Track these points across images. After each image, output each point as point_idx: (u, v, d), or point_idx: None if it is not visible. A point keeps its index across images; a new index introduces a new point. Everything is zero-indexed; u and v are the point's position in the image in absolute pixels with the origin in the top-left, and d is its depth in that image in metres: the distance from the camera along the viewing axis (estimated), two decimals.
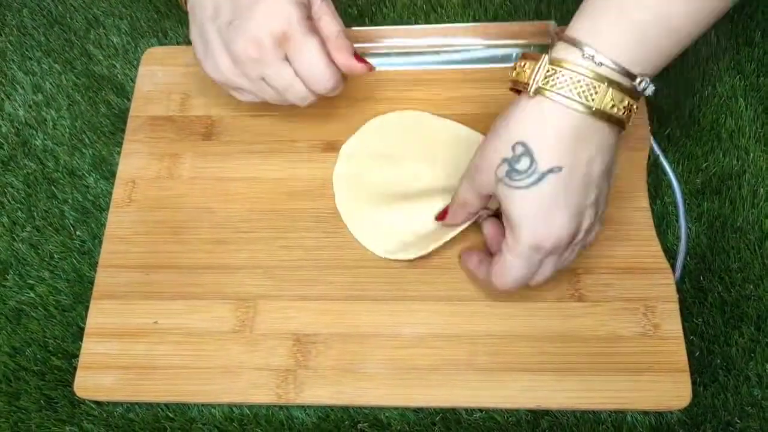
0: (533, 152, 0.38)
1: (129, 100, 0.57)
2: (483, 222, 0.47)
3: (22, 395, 0.48)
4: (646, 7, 0.37)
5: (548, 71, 0.38)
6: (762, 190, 0.52)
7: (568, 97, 0.37)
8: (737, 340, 0.48)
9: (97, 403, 0.47)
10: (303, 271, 0.49)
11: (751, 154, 0.53)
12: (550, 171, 0.38)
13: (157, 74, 0.57)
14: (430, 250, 0.48)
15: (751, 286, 0.49)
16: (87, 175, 0.55)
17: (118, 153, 0.55)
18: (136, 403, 0.47)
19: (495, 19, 0.59)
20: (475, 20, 0.59)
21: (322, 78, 0.45)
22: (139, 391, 0.46)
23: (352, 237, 0.50)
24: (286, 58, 0.45)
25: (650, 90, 0.39)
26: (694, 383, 0.45)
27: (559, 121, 0.38)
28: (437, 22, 0.59)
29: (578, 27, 0.38)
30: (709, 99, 0.55)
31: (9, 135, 0.57)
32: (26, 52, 0.60)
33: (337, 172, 0.52)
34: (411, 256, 0.48)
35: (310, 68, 0.45)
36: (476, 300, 0.48)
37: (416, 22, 0.59)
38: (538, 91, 0.38)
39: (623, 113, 0.38)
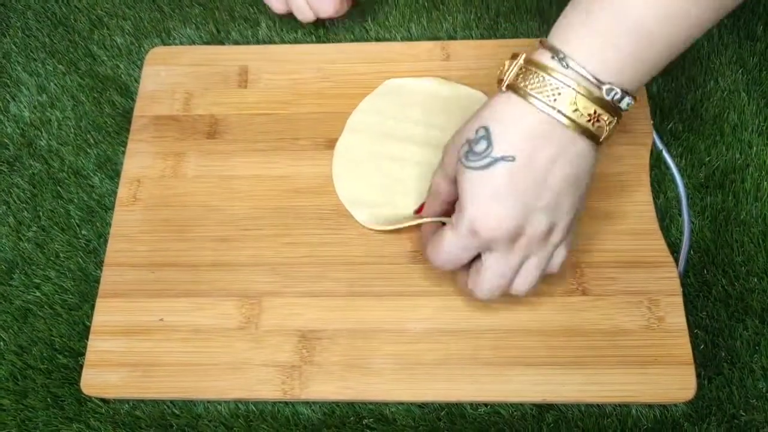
0: (492, 136, 0.39)
1: (133, 100, 0.58)
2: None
3: (29, 393, 0.48)
4: (614, 13, 0.36)
5: (521, 69, 0.39)
6: (765, 183, 0.52)
7: (531, 95, 0.38)
8: (742, 333, 0.48)
9: (104, 400, 0.48)
10: (308, 267, 0.49)
11: (754, 148, 0.53)
12: (503, 158, 0.38)
13: (160, 74, 0.58)
14: (405, 225, 0.49)
15: (756, 279, 0.49)
16: (92, 175, 0.55)
17: (123, 152, 0.55)
18: (143, 400, 0.48)
19: (497, 16, 0.59)
20: (477, 17, 0.59)
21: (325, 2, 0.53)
22: (146, 388, 0.47)
23: (357, 233, 0.50)
24: None
25: (625, 102, 0.38)
26: (698, 376, 0.45)
27: (522, 115, 0.39)
28: (439, 20, 0.59)
29: (554, 32, 0.39)
30: (711, 93, 0.55)
31: (14, 136, 0.57)
32: (31, 54, 0.61)
33: (340, 142, 0.54)
34: (387, 227, 0.50)
35: None
36: None
37: (419, 20, 0.59)
38: (509, 87, 0.39)
39: (588, 120, 0.38)
